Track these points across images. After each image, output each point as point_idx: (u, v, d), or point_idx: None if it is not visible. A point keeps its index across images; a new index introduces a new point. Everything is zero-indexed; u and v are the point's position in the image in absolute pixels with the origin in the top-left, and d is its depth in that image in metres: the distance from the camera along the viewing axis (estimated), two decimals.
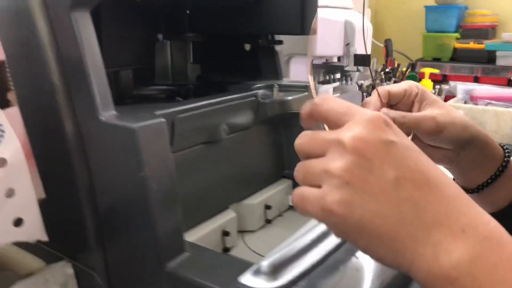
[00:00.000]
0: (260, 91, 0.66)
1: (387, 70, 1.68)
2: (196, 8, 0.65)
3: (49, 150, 0.45)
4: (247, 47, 0.68)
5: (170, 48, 0.71)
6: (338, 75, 1.03)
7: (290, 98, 0.62)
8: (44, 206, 0.41)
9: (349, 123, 0.30)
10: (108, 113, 0.42)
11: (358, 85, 1.34)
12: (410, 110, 0.56)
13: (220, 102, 0.53)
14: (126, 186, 0.42)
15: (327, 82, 1.02)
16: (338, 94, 1.05)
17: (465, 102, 1.77)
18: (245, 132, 0.60)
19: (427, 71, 1.54)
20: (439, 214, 0.28)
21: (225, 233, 0.55)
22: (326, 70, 1.02)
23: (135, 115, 0.42)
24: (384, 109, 0.53)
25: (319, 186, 0.30)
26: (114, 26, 0.61)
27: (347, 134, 0.29)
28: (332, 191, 0.29)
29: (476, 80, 1.86)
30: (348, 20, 1.03)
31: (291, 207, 0.68)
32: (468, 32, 2.00)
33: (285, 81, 0.70)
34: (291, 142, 0.70)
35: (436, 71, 1.67)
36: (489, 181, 0.54)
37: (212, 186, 0.56)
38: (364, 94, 1.23)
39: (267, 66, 0.71)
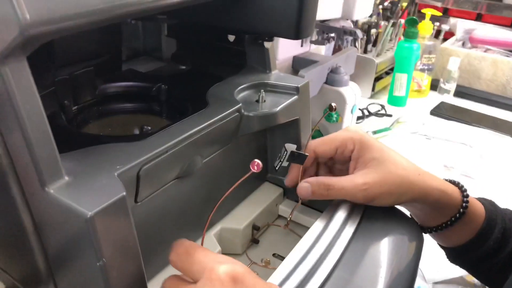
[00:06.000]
0: (244, 94, 0.58)
1: (385, 4, 1.54)
2: None
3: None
4: (231, 38, 0.58)
5: (142, 29, 0.60)
6: (332, 34, 0.92)
7: (277, 109, 0.54)
8: None
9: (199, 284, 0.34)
10: (56, 184, 0.35)
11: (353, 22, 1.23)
12: (347, 164, 0.52)
13: (196, 132, 0.45)
14: (83, 271, 0.37)
15: (321, 43, 0.91)
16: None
17: (463, 44, 1.67)
18: (222, 149, 0.53)
19: (428, 12, 1.42)
20: None
21: None
22: (321, 29, 0.91)
23: (89, 184, 0.36)
24: (304, 184, 0.50)
25: None
26: None
27: None
28: None
29: (479, 17, 1.74)
30: None
31: (279, 217, 0.64)
32: None
33: (273, 77, 0.61)
34: (274, 143, 0.64)
35: (437, 13, 1.54)
36: (439, 227, 0.50)
37: (189, 216, 0.51)
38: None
39: (253, 54, 0.62)
